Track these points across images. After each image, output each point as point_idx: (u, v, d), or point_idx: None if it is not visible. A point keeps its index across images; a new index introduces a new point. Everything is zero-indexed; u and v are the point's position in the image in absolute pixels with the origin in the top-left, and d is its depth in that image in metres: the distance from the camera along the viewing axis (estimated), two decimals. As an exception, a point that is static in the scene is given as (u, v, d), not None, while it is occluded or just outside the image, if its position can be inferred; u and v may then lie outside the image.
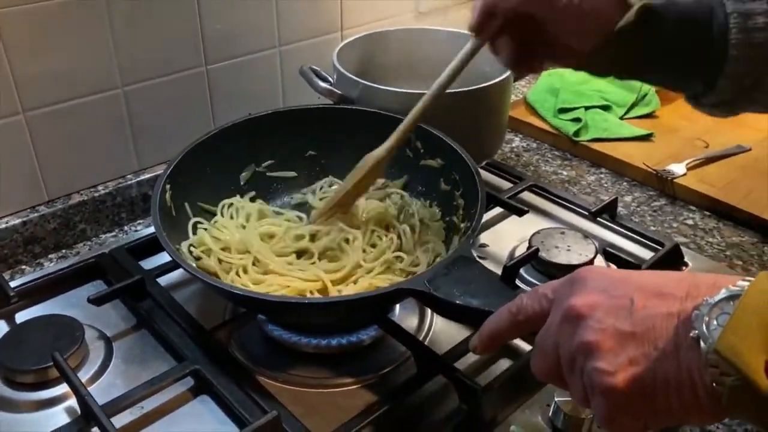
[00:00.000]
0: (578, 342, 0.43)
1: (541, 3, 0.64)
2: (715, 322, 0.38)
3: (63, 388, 0.68)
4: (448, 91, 0.91)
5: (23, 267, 0.88)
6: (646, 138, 1.16)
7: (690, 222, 0.98)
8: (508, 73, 0.94)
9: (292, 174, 0.91)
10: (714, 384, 0.38)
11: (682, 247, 0.88)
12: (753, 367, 0.36)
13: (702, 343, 0.38)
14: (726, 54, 0.62)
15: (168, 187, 0.77)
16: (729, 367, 0.36)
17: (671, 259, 0.86)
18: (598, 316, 0.42)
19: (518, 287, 0.80)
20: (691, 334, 0.39)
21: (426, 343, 0.74)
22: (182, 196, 0.80)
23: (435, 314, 0.78)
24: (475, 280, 0.62)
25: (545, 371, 0.47)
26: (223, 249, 0.78)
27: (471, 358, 0.72)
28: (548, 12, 0.65)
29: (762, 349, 0.36)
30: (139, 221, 0.97)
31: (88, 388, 0.68)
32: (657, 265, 0.83)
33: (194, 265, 0.73)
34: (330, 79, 0.98)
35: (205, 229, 0.80)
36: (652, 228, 0.97)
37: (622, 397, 0.41)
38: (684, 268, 0.87)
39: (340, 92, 0.92)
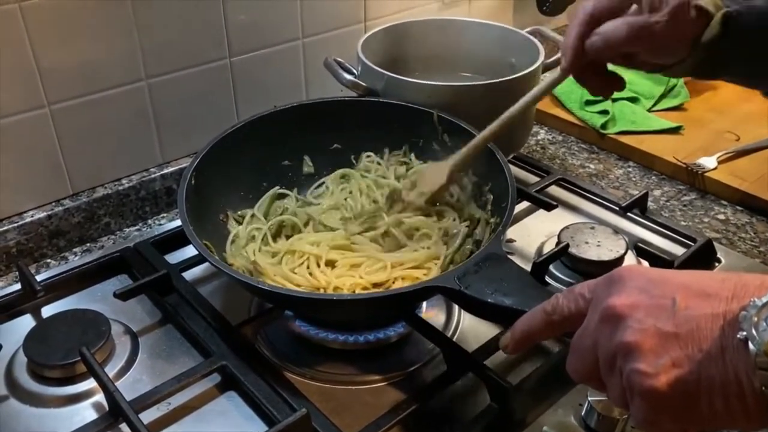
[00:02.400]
0: (618, 342, 0.42)
1: (641, 40, 0.62)
2: (764, 324, 0.37)
3: (90, 384, 0.68)
4: (475, 83, 0.90)
5: (48, 261, 0.88)
6: (675, 131, 1.13)
7: (721, 217, 0.96)
8: (537, 64, 0.92)
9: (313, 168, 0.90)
10: (763, 388, 0.36)
11: (714, 243, 0.86)
12: None
13: (750, 345, 0.37)
14: None
15: (194, 180, 0.76)
16: None
17: (704, 256, 0.85)
18: (638, 317, 0.41)
19: (548, 284, 0.79)
20: (739, 336, 0.37)
21: (454, 340, 0.73)
22: (208, 189, 0.79)
23: (463, 311, 0.77)
24: (507, 278, 0.61)
25: (582, 372, 0.46)
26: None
27: (501, 356, 0.70)
28: (648, 45, 0.64)
29: None
30: (163, 215, 0.97)
31: (116, 384, 0.68)
32: (689, 261, 0.82)
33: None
34: (354, 71, 0.96)
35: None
36: (683, 223, 0.95)
37: (664, 399, 0.40)
38: (716, 264, 0.85)
39: (365, 84, 0.91)
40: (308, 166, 0.90)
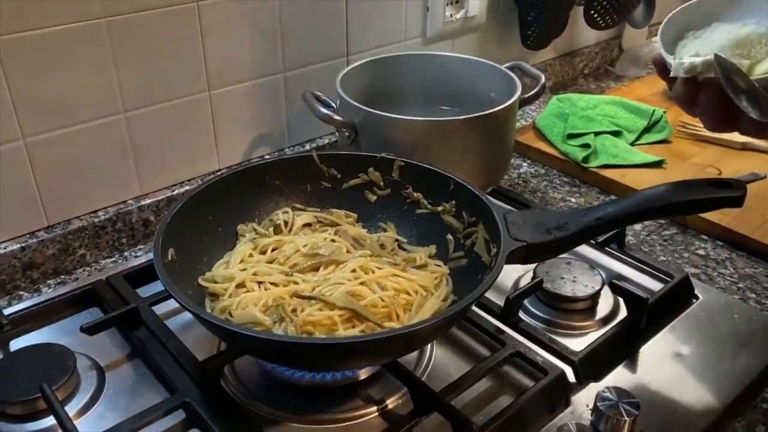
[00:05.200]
0: None
1: None
2: None
3: (52, 420, 0.67)
4: (451, 118, 0.90)
5: (21, 293, 0.87)
6: (657, 165, 1.13)
7: (701, 252, 0.96)
8: (514, 98, 0.93)
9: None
10: None
11: (692, 279, 0.86)
12: None
13: None
14: None
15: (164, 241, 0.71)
16: None
17: (681, 292, 0.84)
18: None
19: (521, 320, 0.78)
20: None
21: (425, 377, 0.72)
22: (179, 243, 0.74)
23: (434, 347, 0.76)
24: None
25: None
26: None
27: (471, 393, 0.70)
28: None
29: None
30: (140, 246, 0.97)
31: (78, 420, 0.67)
32: (665, 297, 0.81)
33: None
34: (333, 105, 0.97)
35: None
36: (662, 258, 0.94)
37: None
38: (694, 300, 0.84)
39: (341, 119, 0.91)
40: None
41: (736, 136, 1.19)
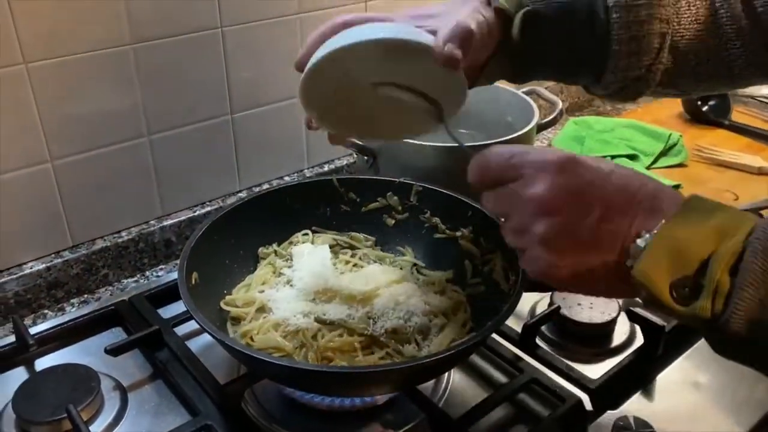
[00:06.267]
0: (534, 231, 0.51)
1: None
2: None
3: (77, 440, 0.68)
4: (475, 143, 0.90)
5: (45, 311, 0.89)
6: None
7: (718, 278, 0.96)
8: (533, 124, 0.94)
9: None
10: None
11: (709, 306, 0.86)
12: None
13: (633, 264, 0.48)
14: (609, 49, 0.63)
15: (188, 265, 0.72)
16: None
17: (698, 319, 0.84)
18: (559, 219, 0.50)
19: (539, 346, 0.79)
20: (627, 264, 0.49)
21: (442, 402, 0.73)
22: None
23: (452, 373, 0.77)
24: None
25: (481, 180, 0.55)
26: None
27: (488, 420, 0.70)
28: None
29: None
30: (161, 266, 0.98)
31: (102, 441, 0.68)
32: (682, 327, 0.81)
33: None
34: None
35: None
36: (679, 284, 0.94)
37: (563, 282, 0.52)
38: (711, 328, 0.84)
39: (361, 143, 0.93)
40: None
41: (753, 161, 1.19)
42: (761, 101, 1.50)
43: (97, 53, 0.84)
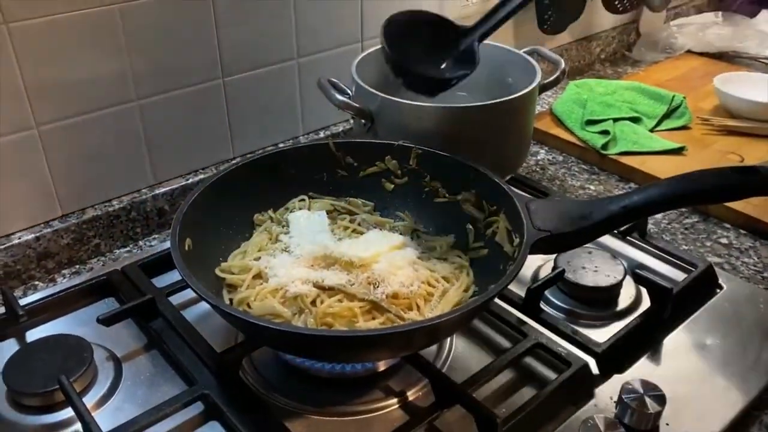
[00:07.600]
0: None
1: None
2: None
3: (70, 412, 0.66)
4: (470, 104, 0.88)
5: (36, 283, 0.87)
6: (677, 152, 1.11)
7: (724, 241, 0.94)
8: (535, 84, 0.91)
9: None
10: None
11: (716, 268, 0.84)
12: None
13: None
14: None
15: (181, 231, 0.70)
16: None
17: (705, 282, 0.82)
18: None
19: (543, 310, 0.77)
20: None
21: (445, 369, 0.71)
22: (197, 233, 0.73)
23: (454, 339, 0.75)
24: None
25: None
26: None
27: (493, 386, 0.69)
28: None
29: None
30: (154, 236, 0.96)
31: (95, 412, 0.67)
32: (689, 287, 0.80)
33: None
34: (349, 91, 0.95)
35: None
36: (684, 247, 0.92)
37: None
38: (718, 290, 0.82)
39: (357, 105, 0.90)
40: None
41: (757, 123, 1.16)
42: (763, 62, 1.47)
43: (81, 13, 0.81)
